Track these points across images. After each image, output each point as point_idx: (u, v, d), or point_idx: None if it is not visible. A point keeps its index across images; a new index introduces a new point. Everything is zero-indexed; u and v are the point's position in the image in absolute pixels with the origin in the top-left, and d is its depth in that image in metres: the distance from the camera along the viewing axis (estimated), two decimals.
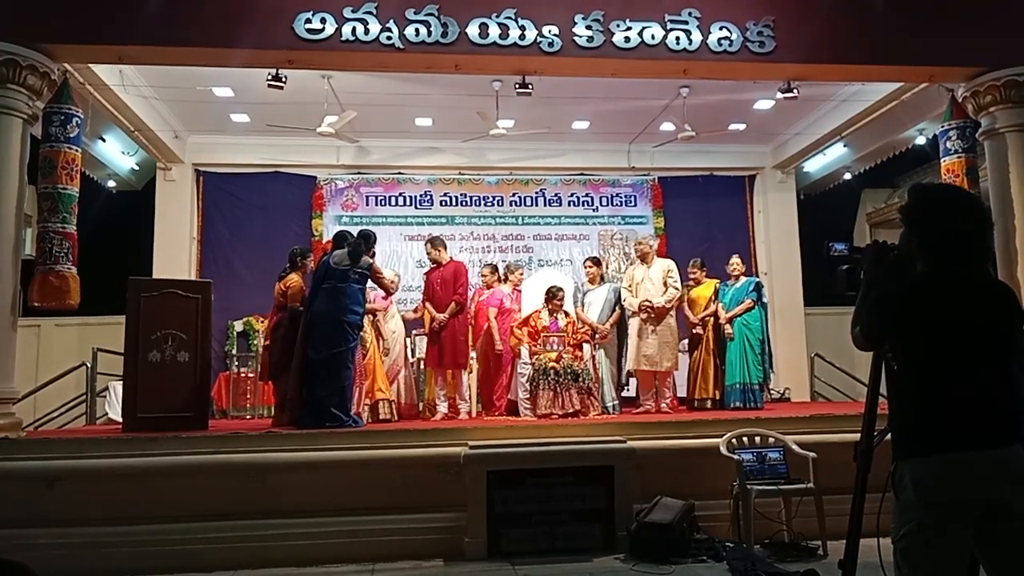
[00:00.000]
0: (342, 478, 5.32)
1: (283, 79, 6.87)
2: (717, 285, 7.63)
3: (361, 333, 6.37)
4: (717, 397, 7.33)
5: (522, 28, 6.21)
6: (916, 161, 10.61)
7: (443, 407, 7.14)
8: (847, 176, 11.10)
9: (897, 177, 11.68)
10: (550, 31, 6.24)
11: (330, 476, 5.33)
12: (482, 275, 8.02)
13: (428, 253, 7.50)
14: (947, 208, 2.35)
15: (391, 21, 6.08)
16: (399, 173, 10.35)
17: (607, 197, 10.66)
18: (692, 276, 7.76)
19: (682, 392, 7.78)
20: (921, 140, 9.49)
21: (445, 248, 7.47)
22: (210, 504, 5.15)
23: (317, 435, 5.69)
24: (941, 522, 2.07)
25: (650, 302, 7.14)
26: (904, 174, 11.47)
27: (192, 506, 5.13)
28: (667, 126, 9.28)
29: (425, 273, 7.73)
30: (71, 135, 6.01)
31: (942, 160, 7.08)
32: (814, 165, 10.84)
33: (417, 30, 6.12)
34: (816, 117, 9.27)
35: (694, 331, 7.57)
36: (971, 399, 2.13)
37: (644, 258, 7.49)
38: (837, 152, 10.25)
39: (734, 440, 5.53)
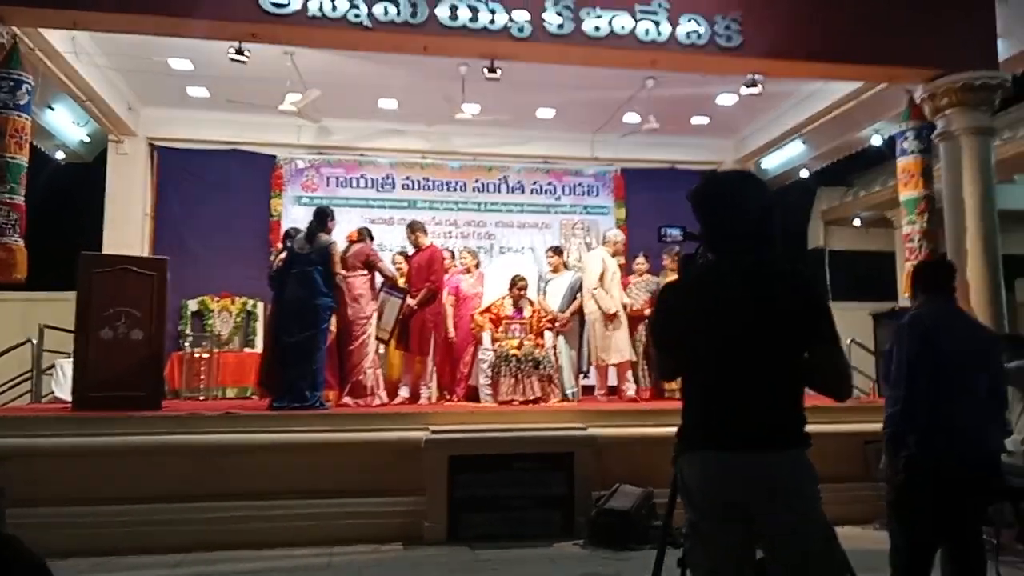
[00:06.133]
0: (301, 461, 5.26)
1: (246, 53, 6.69)
2: None
3: (333, 315, 6.35)
4: None
5: (492, 12, 6.16)
6: (871, 161, 10.84)
7: (404, 391, 7.09)
8: (804, 173, 11.27)
9: (852, 176, 11.94)
10: (520, 16, 6.20)
11: (288, 458, 5.26)
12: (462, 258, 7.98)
13: (408, 238, 7.45)
14: (720, 191, 2.25)
15: None
16: (361, 155, 10.19)
17: (569, 186, 10.67)
18: (665, 265, 7.78)
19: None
20: (877, 140, 9.68)
21: (424, 233, 7.41)
22: (165, 486, 5.04)
23: (275, 417, 5.63)
24: (704, 520, 2.05)
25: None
26: (859, 173, 11.73)
27: (146, 488, 5.01)
28: (631, 117, 9.31)
29: (405, 259, 7.61)
30: (20, 102, 5.78)
31: (898, 160, 7.26)
32: (772, 162, 10.99)
33: (386, 9, 6.01)
34: (777, 114, 9.41)
35: None
36: (732, 396, 2.03)
37: (618, 254, 7.70)
38: (796, 149, 10.40)
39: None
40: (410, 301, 6.93)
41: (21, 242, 5.78)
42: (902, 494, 2.98)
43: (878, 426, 5.41)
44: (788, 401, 2.07)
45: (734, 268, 2.13)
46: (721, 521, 2.02)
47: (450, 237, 10.10)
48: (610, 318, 7.21)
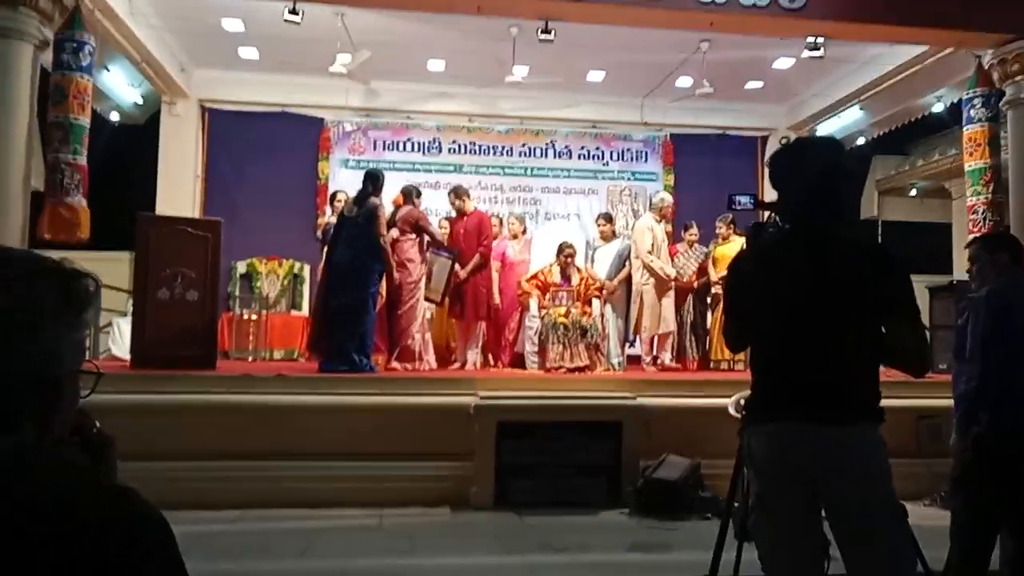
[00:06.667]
0: (350, 423, 5.32)
1: (299, 14, 6.67)
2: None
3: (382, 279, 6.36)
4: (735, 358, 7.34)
5: None
6: (931, 129, 10.45)
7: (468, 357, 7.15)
8: (860, 141, 10.94)
9: (910, 144, 11.54)
10: None
11: (338, 420, 5.32)
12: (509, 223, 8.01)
13: (452, 203, 7.42)
14: (782, 158, 2.19)
15: None
16: (408, 118, 10.15)
17: (618, 151, 10.50)
18: (719, 233, 7.64)
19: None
20: (939, 107, 9.32)
21: (469, 197, 7.39)
22: (219, 444, 5.13)
23: (325, 380, 5.71)
24: (769, 490, 2.04)
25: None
26: (918, 141, 11.34)
27: (201, 445, 5.11)
28: (683, 82, 9.10)
29: (449, 222, 7.61)
30: (83, 64, 5.86)
31: (964, 128, 6.99)
32: (828, 128, 10.63)
33: None
34: (836, 78, 9.08)
35: (714, 290, 7.50)
36: (797, 368, 2.00)
37: (665, 219, 7.60)
38: (853, 116, 10.07)
39: (742, 401, 5.52)
40: (459, 270, 6.92)
41: (84, 202, 5.91)
42: (970, 471, 2.92)
43: (932, 402, 5.34)
44: (854, 373, 2.01)
45: (796, 235, 2.10)
46: (784, 493, 2.01)
47: (496, 202, 10.04)
48: (666, 284, 7.13)
